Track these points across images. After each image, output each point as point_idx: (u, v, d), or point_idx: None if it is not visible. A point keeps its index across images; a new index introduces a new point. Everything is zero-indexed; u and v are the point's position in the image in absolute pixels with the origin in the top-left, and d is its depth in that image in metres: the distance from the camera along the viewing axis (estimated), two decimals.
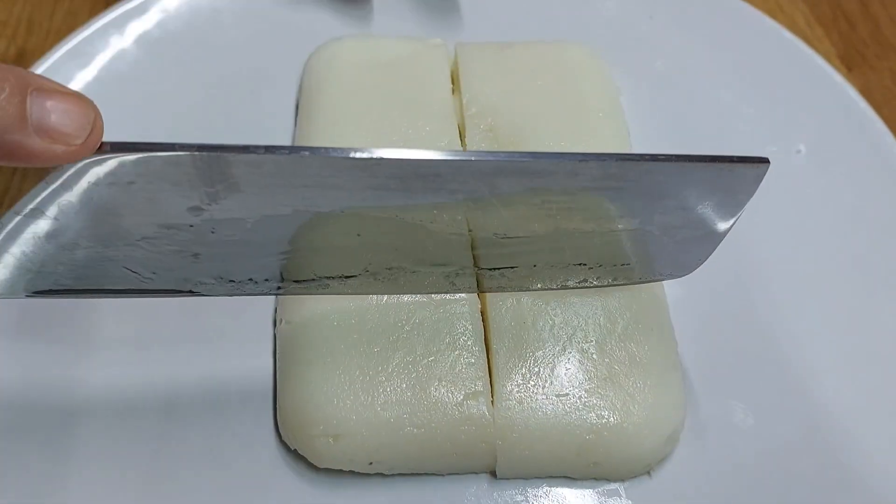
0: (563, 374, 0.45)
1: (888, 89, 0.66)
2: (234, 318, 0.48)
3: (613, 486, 0.45)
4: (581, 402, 0.44)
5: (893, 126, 0.57)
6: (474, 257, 0.44)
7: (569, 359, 0.45)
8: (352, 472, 0.44)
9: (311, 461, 0.44)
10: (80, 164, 0.34)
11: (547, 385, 0.44)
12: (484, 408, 0.43)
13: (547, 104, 0.55)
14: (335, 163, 0.36)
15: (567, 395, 0.44)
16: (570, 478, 0.45)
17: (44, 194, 0.35)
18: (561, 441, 0.43)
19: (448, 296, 0.46)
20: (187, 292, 0.43)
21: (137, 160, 0.34)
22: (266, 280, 0.43)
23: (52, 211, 0.36)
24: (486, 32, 0.61)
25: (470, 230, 0.42)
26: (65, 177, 0.34)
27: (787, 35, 0.62)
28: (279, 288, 0.44)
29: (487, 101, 0.54)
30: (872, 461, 0.46)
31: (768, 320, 0.51)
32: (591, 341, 0.46)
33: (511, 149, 0.52)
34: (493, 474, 0.45)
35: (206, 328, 0.48)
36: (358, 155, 0.36)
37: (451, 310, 0.46)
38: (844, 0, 0.72)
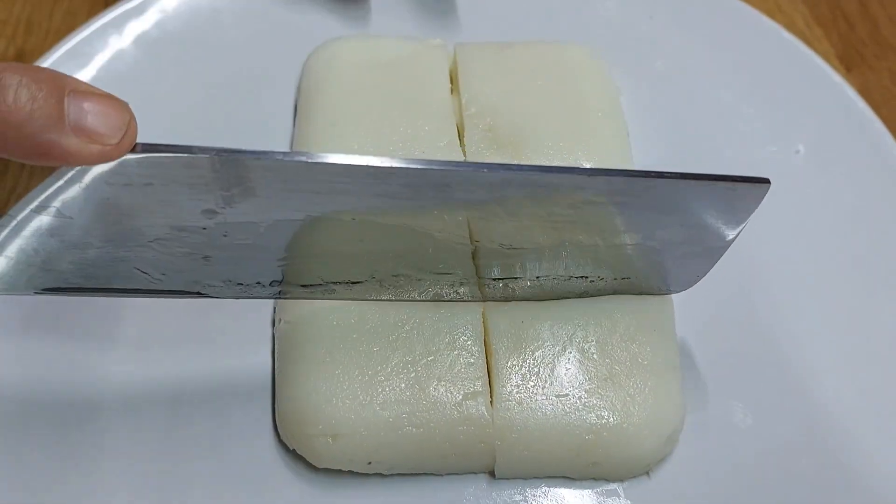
0: (563, 374, 0.44)
1: (887, 89, 0.66)
2: (233, 317, 0.48)
3: (612, 486, 0.45)
4: (581, 402, 0.44)
5: (892, 126, 0.57)
6: (478, 267, 0.44)
7: (569, 359, 0.45)
8: (350, 472, 0.44)
9: (310, 461, 0.44)
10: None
11: (547, 385, 0.44)
12: (483, 408, 0.43)
13: (546, 104, 0.55)
14: (350, 170, 0.37)
15: (567, 395, 0.44)
16: (568, 478, 0.45)
17: (54, 190, 0.35)
18: (560, 441, 0.43)
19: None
20: (195, 294, 0.43)
21: (154, 161, 0.34)
22: (273, 284, 0.43)
23: (64, 209, 0.36)
24: (485, 32, 0.61)
25: (476, 240, 0.42)
26: (71, 174, 0.34)
27: (787, 35, 0.62)
28: (285, 292, 0.44)
29: (487, 101, 0.54)
30: (872, 461, 0.46)
31: (767, 320, 0.51)
32: (592, 341, 0.46)
33: (510, 149, 0.52)
34: (492, 474, 0.45)
35: (204, 327, 0.48)
36: (372, 163, 0.36)
37: (450, 309, 0.46)
38: (843, 0, 0.72)
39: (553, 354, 0.45)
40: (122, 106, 0.32)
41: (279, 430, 0.45)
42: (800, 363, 0.49)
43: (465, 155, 0.52)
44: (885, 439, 0.47)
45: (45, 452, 0.44)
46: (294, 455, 0.45)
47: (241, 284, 0.43)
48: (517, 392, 0.44)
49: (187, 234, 0.39)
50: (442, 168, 0.38)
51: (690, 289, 0.48)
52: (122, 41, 0.59)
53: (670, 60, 0.62)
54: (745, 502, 0.45)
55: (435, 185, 0.38)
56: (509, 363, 0.45)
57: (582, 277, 0.46)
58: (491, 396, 0.44)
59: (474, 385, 0.44)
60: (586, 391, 0.44)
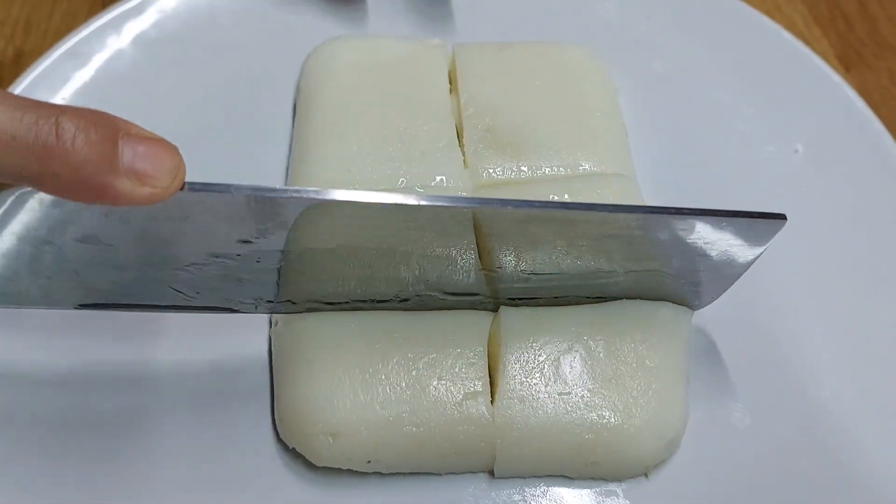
0: (567, 373, 0.44)
1: (886, 89, 0.66)
2: (232, 315, 0.48)
3: (611, 486, 0.45)
4: (583, 401, 0.44)
5: (891, 126, 0.57)
6: (499, 290, 0.45)
7: (575, 357, 0.45)
8: (350, 471, 0.44)
9: (310, 460, 0.44)
10: None
11: (550, 383, 0.44)
12: (483, 408, 0.43)
13: (545, 104, 0.55)
14: (381, 208, 0.38)
15: (569, 393, 0.44)
16: (568, 477, 0.45)
17: (95, 221, 0.37)
18: (560, 439, 0.43)
19: None
20: (227, 310, 0.45)
21: (195, 199, 0.35)
22: (305, 301, 0.45)
23: (105, 238, 0.38)
24: (484, 33, 0.61)
25: (499, 267, 0.43)
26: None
27: (786, 35, 0.62)
28: (314, 308, 0.46)
29: (486, 101, 0.54)
30: (872, 461, 0.46)
31: (767, 320, 0.51)
32: (600, 341, 0.46)
33: (509, 149, 0.52)
34: (492, 474, 0.45)
35: (204, 326, 0.48)
36: (401, 201, 0.38)
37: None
38: (842, 1, 0.72)
39: (559, 352, 0.45)
40: (173, 150, 0.33)
41: (278, 429, 0.45)
42: (799, 363, 0.49)
43: (464, 155, 0.52)
44: (885, 439, 0.47)
45: (45, 456, 0.44)
46: (293, 454, 0.44)
47: (272, 302, 0.45)
48: (521, 388, 0.44)
49: (222, 259, 0.40)
50: (468, 206, 0.39)
51: None
52: (120, 41, 0.59)
53: (669, 61, 0.62)
54: (745, 503, 0.45)
55: (461, 220, 0.40)
56: (516, 359, 0.45)
57: (599, 298, 0.47)
58: (493, 393, 0.44)
59: (475, 385, 0.44)
60: (589, 390, 0.44)
